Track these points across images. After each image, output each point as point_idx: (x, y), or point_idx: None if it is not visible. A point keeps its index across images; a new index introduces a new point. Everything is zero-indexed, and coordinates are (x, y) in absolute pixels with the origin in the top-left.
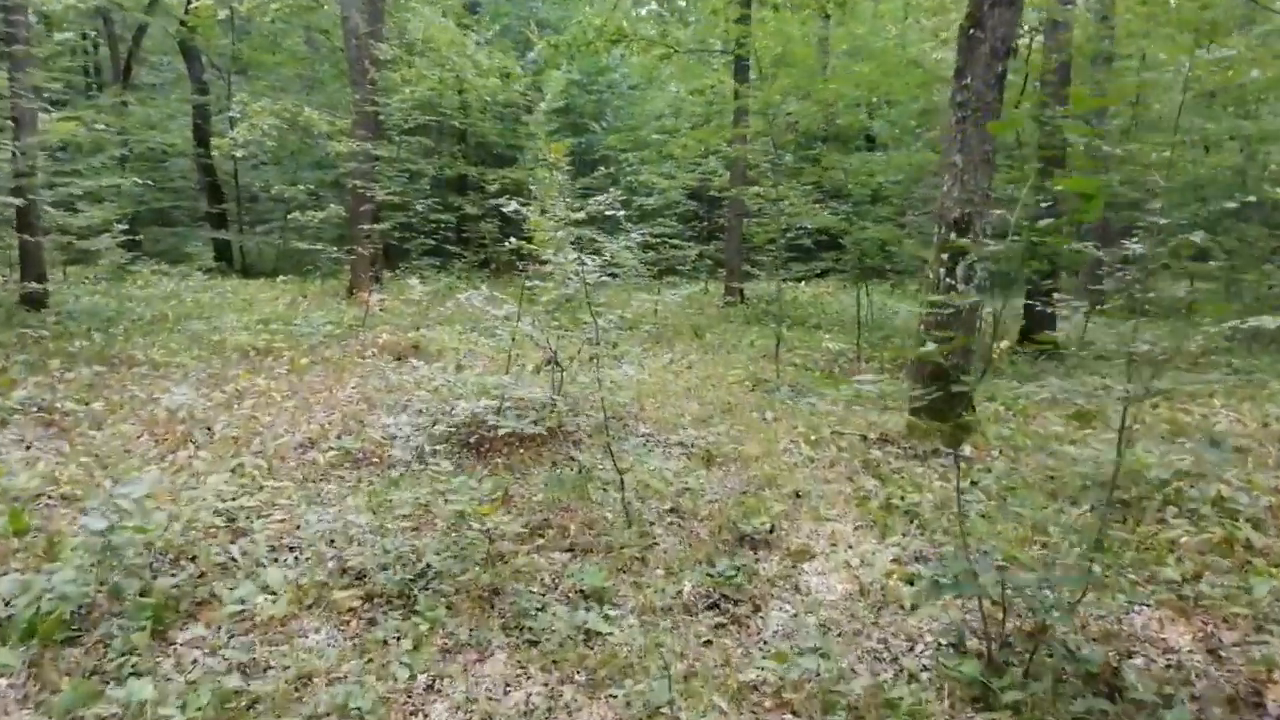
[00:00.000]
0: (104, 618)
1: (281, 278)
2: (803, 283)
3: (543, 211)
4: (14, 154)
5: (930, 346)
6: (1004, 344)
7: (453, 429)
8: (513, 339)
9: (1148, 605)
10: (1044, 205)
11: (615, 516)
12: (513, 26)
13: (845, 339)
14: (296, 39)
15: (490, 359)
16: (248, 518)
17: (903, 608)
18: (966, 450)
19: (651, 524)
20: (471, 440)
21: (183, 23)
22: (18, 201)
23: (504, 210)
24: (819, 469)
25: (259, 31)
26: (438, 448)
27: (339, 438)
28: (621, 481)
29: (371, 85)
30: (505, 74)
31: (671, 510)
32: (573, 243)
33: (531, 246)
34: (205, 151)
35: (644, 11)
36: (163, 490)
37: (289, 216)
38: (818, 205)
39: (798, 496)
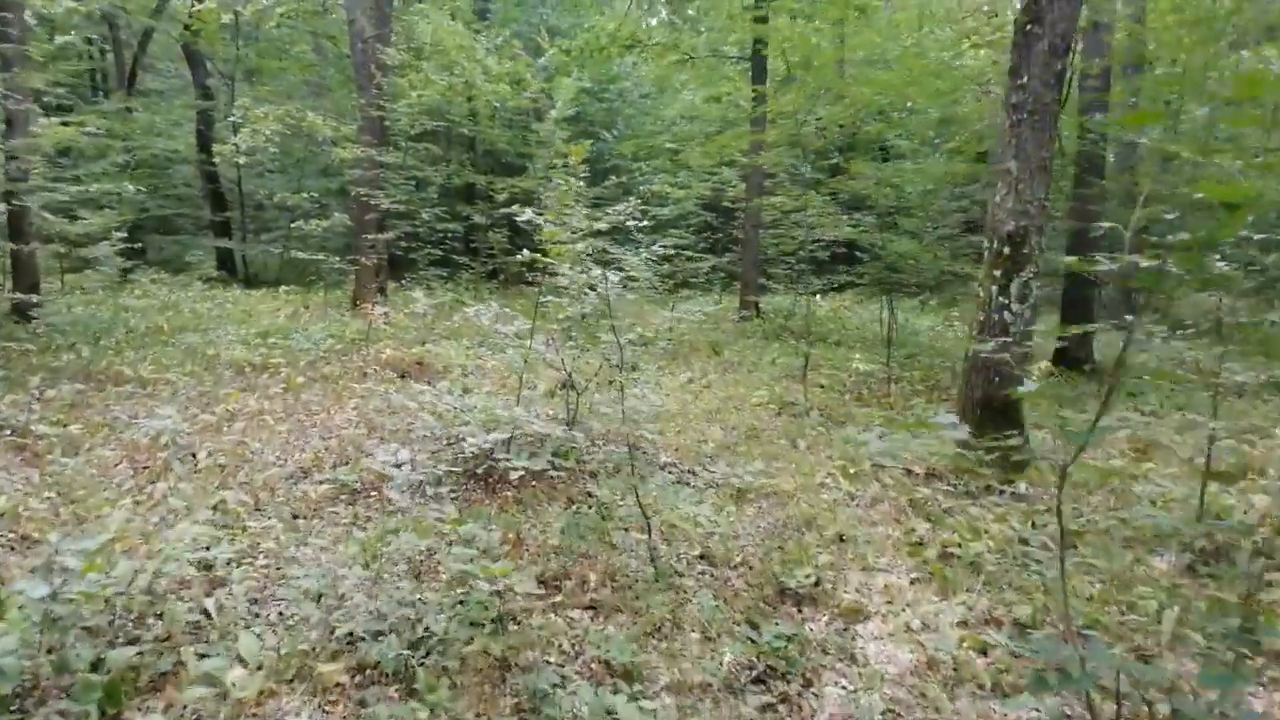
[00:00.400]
0: (50, 696)
1: (285, 288)
2: (818, 296)
3: (560, 222)
4: (4, 157)
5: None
6: (1042, 365)
7: (458, 464)
8: (524, 360)
9: (1262, 685)
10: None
11: (641, 566)
12: (522, 33)
13: (871, 357)
14: (304, 45)
15: (499, 378)
16: (227, 564)
17: (981, 687)
18: (1022, 487)
19: (681, 575)
20: (479, 471)
21: (186, 27)
22: (3, 206)
23: (515, 220)
24: (861, 507)
25: (265, 37)
26: (441, 480)
27: (334, 468)
28: (648, 526)
29: (378, 90)
30: (516, 80)
31: (702, 557)
32: (589, 255)
33: (546, 259)
34: (209, 158)
35: (653, 22)
36: (132, 532)
37: (292, 225)
38: (838, 217)
39: (841, 541)
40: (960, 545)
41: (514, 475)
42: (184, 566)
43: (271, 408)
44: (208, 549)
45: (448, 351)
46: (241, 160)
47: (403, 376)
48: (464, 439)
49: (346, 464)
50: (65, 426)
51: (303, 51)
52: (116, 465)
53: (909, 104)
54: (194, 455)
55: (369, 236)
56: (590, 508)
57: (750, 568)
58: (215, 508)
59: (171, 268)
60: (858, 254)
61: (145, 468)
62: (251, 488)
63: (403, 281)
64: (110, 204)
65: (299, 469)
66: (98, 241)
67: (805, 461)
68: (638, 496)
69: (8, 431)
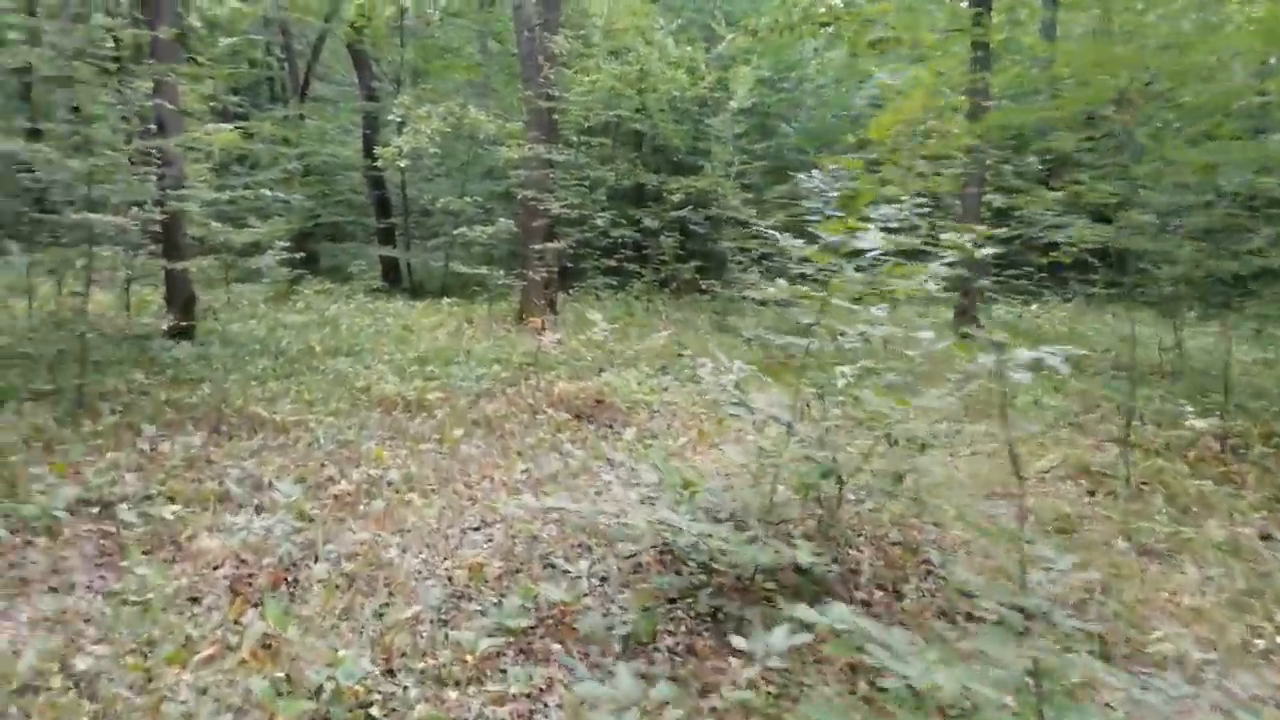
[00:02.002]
0: None
1: (448, 300)
2: (1032, 305)
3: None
4: (157, 162)
5: None
6: None
7: (672, 588)
8: (764, 450)
9: None
10: None
11: None
12: (694, 21)
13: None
14: (469, 44)
15: (694, 421)
16: None
17: None
18: None
19: None
20: (705, 609)
21: (353, 25)
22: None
23: (689, 224)
24: None
25: (429, 35)
26: (649, 617)
27: (501, 595)
28: None
29: (545, 81)
30: (691, 69)
31: None
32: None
33: (807, 292)
34: (373, 163)
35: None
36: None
37: (456, 232)
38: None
39: None
40: None
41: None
42: None
43: (421, 472)
44: None
45: (628, 383)
46: (403, 163)
47: (578, 418)
48: (674, 542)
49: (516, 583)
50: (169, 501)
51: (468, 50)
52: (216, 569)
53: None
54: (311, 564)
55: (537, 247)
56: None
57: None
58: (328, 669)
59: (339, 276)
60: (1089, 260)
61: (248, 579)
62: (382, 628)
63: (570, 292)
64: (279, 211)
65: (451, 594)
66: (264, 251)
67: (1162, 583)
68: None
69: (95, 508)
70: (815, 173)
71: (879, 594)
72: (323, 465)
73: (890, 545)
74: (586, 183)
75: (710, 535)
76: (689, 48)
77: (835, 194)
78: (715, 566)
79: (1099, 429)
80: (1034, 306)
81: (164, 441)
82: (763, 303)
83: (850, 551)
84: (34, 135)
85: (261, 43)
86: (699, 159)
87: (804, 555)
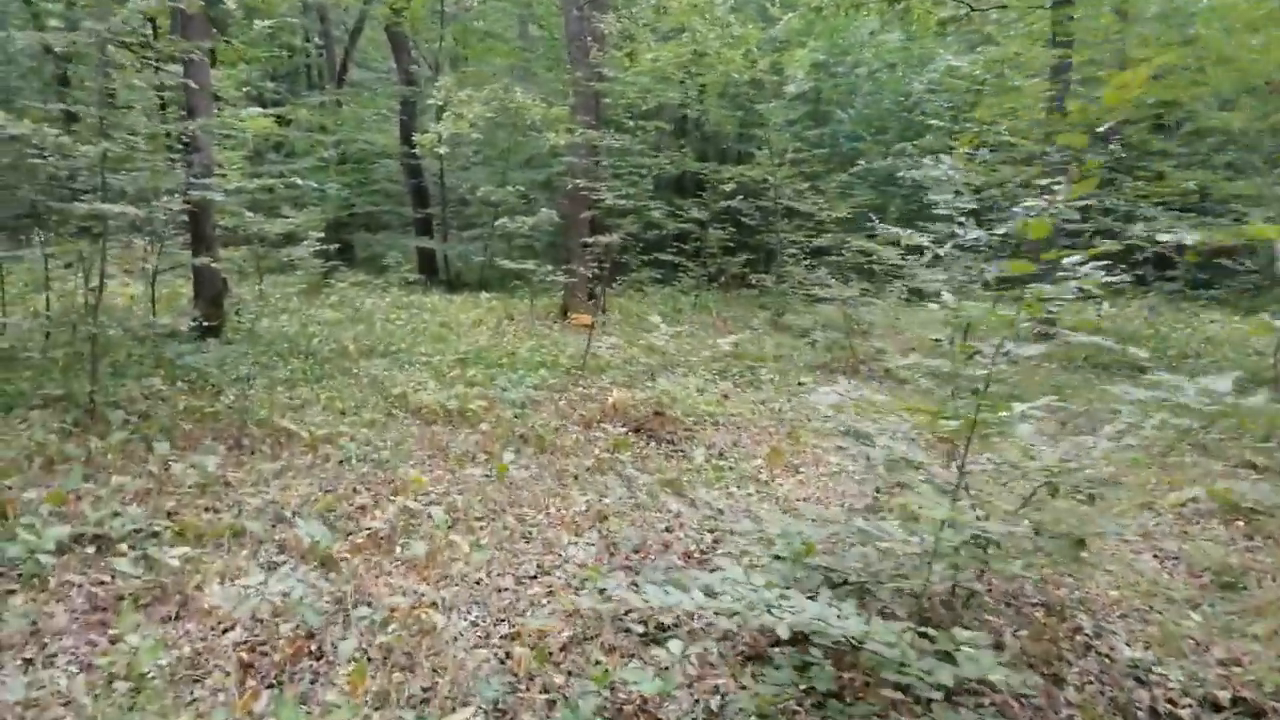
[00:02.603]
0: None
1: (486, 295)
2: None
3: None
4: (185, 146)
5: None
6: None
7: (791, 678)
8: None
9: None
10: None
11: None
12: (749, 0)
13: None
14: (510, 29)
15: (764, 437)
16: None
17: None
18: None
19: None
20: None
21: (391, 7)
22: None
23: (740, 216)
24: None
25: (469, 18)
26: None
27: (569, 675)
28: None
29: (594, 63)
30: (746, 51)
31: None
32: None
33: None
34: (411, 150)
35: None
36: None
37: (496, 224)
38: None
39: None
40: None
41: None
42: None
43: (467, 504)
44: None
45: (688, 392)
46: (443, 150)
47: (637, 431)
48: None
49: (586, 644)
50: (177, 538)
51: (509, 34)
52: (225, 632)
53: None
54: (341, 624)
55: (585, 239)
56: None
57: None
58: None
59: (375, 267)
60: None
61: (262, 648)
62: None
63: (613, 286)
64: (314, 201)
65: (510, 672)
66: (298, 242)
67: None
68: None
69: (90, 547)
70: (944, 158)
71: (1032, 674)
72: (355, 491)
73: (1030, 606)
74: (641, 170)
75: (863, 637)
76: (750, 26)
77: (963, 183)
78: (849, 659)
79: (1228, 451)
80: (1105, 306)
81: (177, 462)
82: (817, 299)
83: (987, 618)
84: (70, 120)
85: (299, 28)
86: (749, 146)
87: (994, 672)
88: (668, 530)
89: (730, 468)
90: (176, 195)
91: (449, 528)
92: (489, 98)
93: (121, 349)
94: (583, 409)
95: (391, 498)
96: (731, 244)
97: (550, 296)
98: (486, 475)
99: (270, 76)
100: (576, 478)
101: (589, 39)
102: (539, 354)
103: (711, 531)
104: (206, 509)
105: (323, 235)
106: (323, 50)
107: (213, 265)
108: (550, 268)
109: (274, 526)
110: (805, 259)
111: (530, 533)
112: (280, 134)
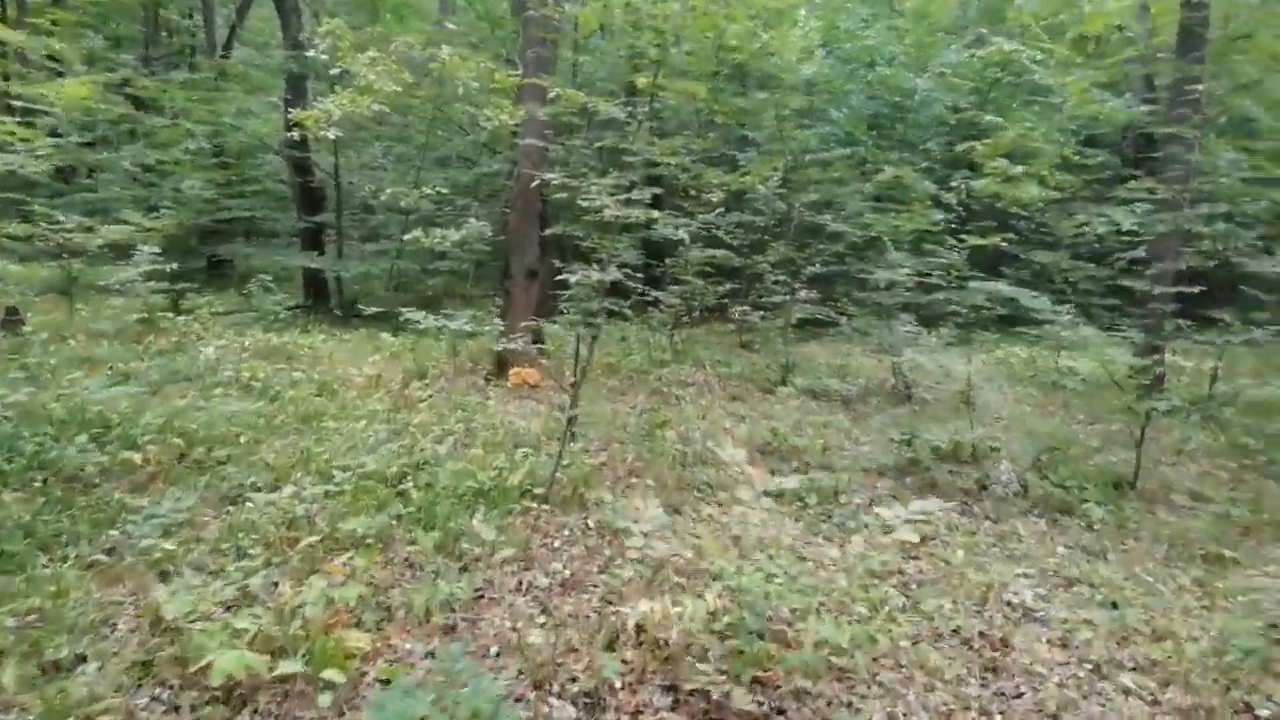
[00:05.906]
0: None
1: (390, 335)
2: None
3: None
4: None
5: None
6: None
7: None
8: None
9: None
10: None
11: None
12: None
13: None
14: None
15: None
16: None
17: None
18: None
19: None
20: None
21: None
22: None
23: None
24: None
25: None
26: None
27: None
28: None
29: (547, 20)
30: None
31: None
32: None
33: None
34: (298, 141)
35: None
36: None
37: (406, 236)
38: None
39: None
40: None
41: None
42: None
43: None
44: None
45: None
46: (332, 134)
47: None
48: None
49: None
50: None
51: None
52: None
53: None
54: None
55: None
56: None
57: None
58: None
59: (244, 288)
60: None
61: None
62: None
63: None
64: (167, 203)
65: None
66: (129, 257)
67: None
68: None
69: None
70: None
71: None
72: None
73: None
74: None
75: None
76: None
77: None
78: None
79: None
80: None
81: None
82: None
83: None
84: None
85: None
86: (734, 150)
87: None
88: None
89: None
90: None
91: None
92: (400, 52)
93: None
94: (576, 632)
95: None
96: (710, 269)
97: (477, 339)
98: None
99: (116, 46)
100: None
101: None
102: (473, 466)
103: None
104: None
105: (160, 251)
106: (206, 25)
107: None
108: (475, 314)
109: None
110: (800, 286)
111: None
112: (103, 109)
